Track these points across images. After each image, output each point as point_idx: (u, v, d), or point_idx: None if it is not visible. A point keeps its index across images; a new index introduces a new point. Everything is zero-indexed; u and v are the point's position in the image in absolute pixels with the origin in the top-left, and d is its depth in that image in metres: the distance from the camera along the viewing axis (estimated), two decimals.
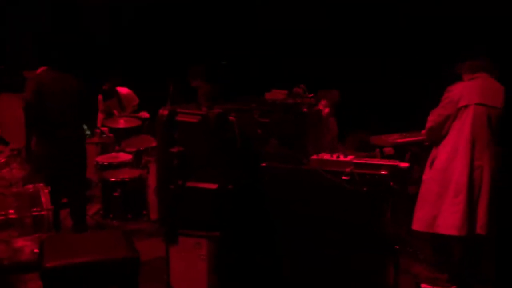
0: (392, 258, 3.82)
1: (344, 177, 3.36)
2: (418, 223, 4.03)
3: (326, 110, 4.14)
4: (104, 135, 6.35)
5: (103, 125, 6.64)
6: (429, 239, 4.16)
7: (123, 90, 6.97)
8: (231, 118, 3.37)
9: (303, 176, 3.40)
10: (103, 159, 5.71)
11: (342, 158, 3.44)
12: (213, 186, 3.11)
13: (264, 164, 3.37)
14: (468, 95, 3.86)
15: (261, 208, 3.29)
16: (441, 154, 3.97)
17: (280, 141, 3.43)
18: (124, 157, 5.72)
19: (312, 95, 3.50)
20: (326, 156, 3.43)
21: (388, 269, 3.72)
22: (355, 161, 3.41)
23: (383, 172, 3.35)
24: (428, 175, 4.01)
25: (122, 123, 6.41)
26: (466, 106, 3.83)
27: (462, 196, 3.79)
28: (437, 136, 4.00)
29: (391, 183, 3.35)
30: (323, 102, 4.13)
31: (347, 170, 3.37)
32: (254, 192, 3.29)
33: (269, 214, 3.32)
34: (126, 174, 5.32)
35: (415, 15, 6.14)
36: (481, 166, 3.82)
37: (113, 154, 5.88)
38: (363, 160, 3.43)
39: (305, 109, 3.44)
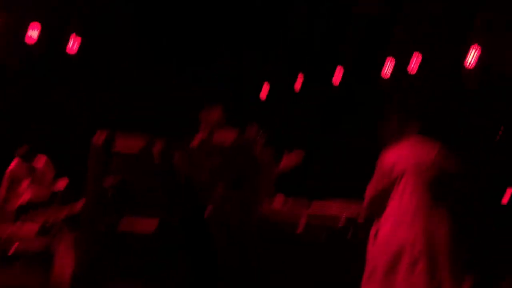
0: None
1: (299, 230, 3.02)
2: None
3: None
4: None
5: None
6: None
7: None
8: (176, 156, 2.99)
9: (257, 227, 3.02)
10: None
11: (296, 208, 3.13)
12: (154, 221, 2.62)
13: (210, 208, 2.95)
14: (401, 162, 3.67)
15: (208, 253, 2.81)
16: (385, 225, 3.75)
17: (230, 184, 3.06)
18: (29, 228, 4.91)
19: (265, 135, 3.24)
20: (279, 203, 3.10)
21: None
22: (310, 211, 3.11)
23: (340, 224, 3.07)
24: (373, 249, 3.73)
25: (27, 195, 5.61)
26: (402, 175, 3.65)
27: (421, 265, 3.50)
28: (378, 210, 3.82)
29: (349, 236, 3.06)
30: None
31: (303, 221, 3.05)
32: (199, 236, 2.82)
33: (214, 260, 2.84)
34: (29, 246, 4.51)
35: None
36: (433, 230, 3.64)
37: (16, 225, 5.05)
38: (319, 208, 3.14)
39: (257, 150, 3.15)
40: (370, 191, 3.77)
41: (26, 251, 4.48)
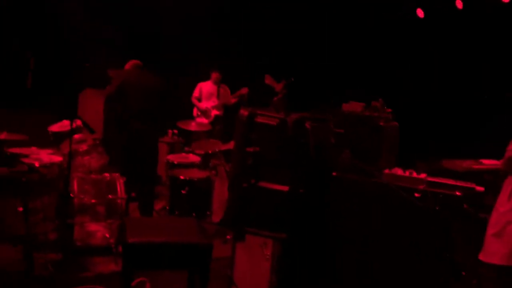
0: (455, 284, 3.71)
1: (416, 194, 3.32)
2: (494, 256, 3.87)
3: None
4: (175, 136, 6.62)
5: (175, 127, 6.91)
6: (496, 271, 4.00)
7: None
8: (307, 125, 3.43)
9: (373, 189, 3.40)
10: (174, 158, 5.93)
11: (415, 175, 3.41)
12: (285, 188, 3.17)
13: (335, 174, 3.40)
14: None
15: (328, 216, 3.32)
16: None
17: (354, 153, 3.45)
18: (193, 158, 5.91)
19: (390, 110, 3.51)
20: (399, 172, 3.41)
21: None
22: (429, 179, 3.37)
23: (457, 193, 3.29)
24: (506, 207, 3.86)
25: (193, 126, 6.63)
26: None
27: None
28: None
29: (465, 206, 3.29)
30: None
31: (420, 187, 3.34)
32: (324, 199, 3.32)
33: (336, 223, 3.34)
34: (194, 174, 5.49)
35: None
36: None
37: (183, 154, 6.10)
38: (438, 179, 3.38)
39: (381, 123, 3.45)
40: None
41: (191, 177, 5.47)
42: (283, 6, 7.41)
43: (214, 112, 7.22)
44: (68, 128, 5.17)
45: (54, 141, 5.36)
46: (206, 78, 7.31)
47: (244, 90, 6.97)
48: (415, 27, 6.83)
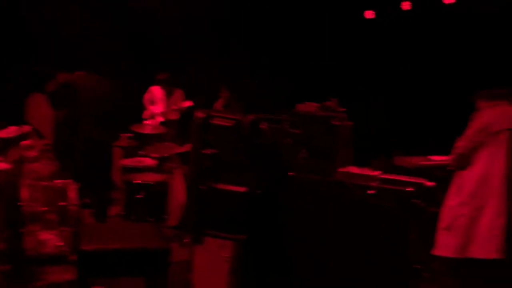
0: (410, 279, 3.82)
1: (370, 191, 3.40)
2: (446, 249, 4.00)
3: None
4: (129, 140, 6.50)
5: (128, 131, 6.79)
6: (448, 264, 4.14)
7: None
8: (262, 126, 3.45)
9: (328, 188, 3.46)
10: (128, 162, 5.82)
11: (369, 172, 3.49)
12: (242, 189, 3.18)
13: (292, 174, 3.44)
14: (499, 121, 3.92)
15: (285, 216, 3.35)
16: (470, 179, 3.98)
17: (310, 153, 3.49)
18: (149, 161, 5.82)
19: (343, 109, 3.58)
20: (353, 170, 3.48)
21: None
22: (382, 176, 3.46)
23: (409, 189, 3.39)
24: (456, 201, 4.01)
25: (148, 129, 6.54)
26: (498, 132, 3.88)
27: (503, 218, 3.81)
28: (466, 162, 4.03)
29: (417, 201, 3.39)
30: None
31: (374, 184, 3.42)
32: (281, 199, 3.35)
33: (293, 222, 3.37)
34: (150, 177, 5.41)
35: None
36: None
37: (138, 158, 5.99)
38: (390, 175, 3.48)
39: (335, 122, 3.51)
40: (465, 142, 4.03)
41: (147, 181, 5.39)
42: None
43: (159, 119, 7.17)
44: (15, 134, 5.01)
45: (1, 148, 5.16)
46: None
47: (186, 104, 7.01)
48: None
